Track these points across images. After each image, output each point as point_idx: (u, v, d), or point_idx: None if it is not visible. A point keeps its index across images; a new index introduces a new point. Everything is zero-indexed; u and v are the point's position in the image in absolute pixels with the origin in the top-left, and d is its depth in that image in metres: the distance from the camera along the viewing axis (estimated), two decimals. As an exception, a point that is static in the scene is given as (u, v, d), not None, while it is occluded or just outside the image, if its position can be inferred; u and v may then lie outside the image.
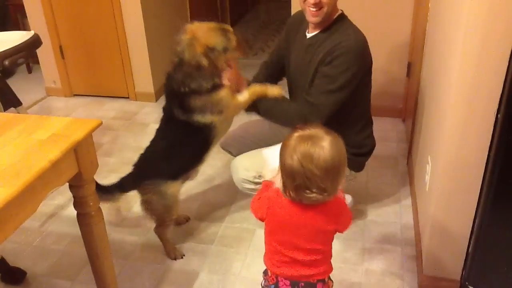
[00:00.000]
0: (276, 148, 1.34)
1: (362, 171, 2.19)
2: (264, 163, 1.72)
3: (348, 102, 1.91)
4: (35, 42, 2.68)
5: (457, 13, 1.59)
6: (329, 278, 1.44)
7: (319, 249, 1.34)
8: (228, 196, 2.56)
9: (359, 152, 2.08)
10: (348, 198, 2.30)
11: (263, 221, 1.39)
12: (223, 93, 1.89)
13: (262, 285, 1.47)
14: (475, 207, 1.63)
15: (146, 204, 2.08)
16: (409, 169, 2.69)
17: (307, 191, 1.22)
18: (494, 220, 1.60)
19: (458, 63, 1.47)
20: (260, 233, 2.27)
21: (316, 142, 1.20)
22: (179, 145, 2.01)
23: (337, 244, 2.18)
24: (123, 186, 2.08)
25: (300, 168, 1.19)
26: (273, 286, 1.40)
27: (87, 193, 1.56)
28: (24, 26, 4.52)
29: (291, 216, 1.30)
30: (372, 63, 1.96)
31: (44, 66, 3.99)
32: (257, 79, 2.16)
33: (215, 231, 2.31)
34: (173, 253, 2.16)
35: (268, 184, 1.40)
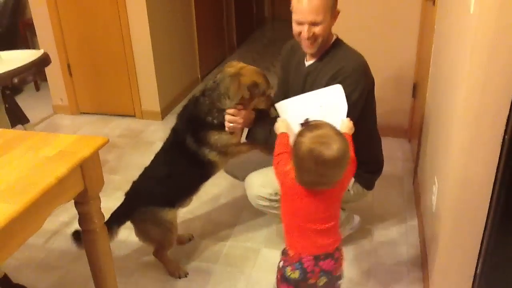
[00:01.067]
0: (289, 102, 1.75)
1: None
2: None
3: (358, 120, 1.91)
4: (44, 60, 2.72)
5: (463, 34, 1.60)
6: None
7: (333, 214, 1.49)
8: (232, 215, 2.55)
9: (370, 169, 2.08)
10: (356, 219, 2.28)
11: (281, 184, 1.52)
12: (234, 140, 2.01)
13: (281, 266, 1.54)
14: (483, 228, 1.61)
15: (144, 233, 2.07)
16: (415, 189, 2.67)
17: (318, 186, 1.40)
18: (503, 241, 1.58)
19: (465, 84, 1.47)
20: (265, 253, 2.26)
21: (328, 144, 1.32)
22: (180, 175, 2.04)
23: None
24: (119, 219, 2.04)
25: (314, 168, 1.33)
26: (297, 263, 1.49)
27: (92, 210, 1.56)
28: (33, 44, 4.60)
29: (305, 191, 1.42)
30: (374, 81, 1.97)
31: (52, 84, 4.03)
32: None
33: (219, 250, 2.30)
34: (177, 272, 2.14)
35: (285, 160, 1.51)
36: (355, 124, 1.87)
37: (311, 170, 1.35)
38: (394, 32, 3.04)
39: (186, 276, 2.13)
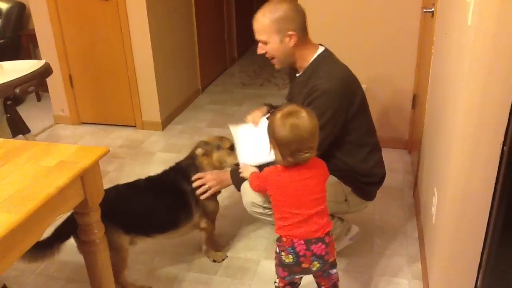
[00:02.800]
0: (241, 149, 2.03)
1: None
2: None
3: (342, 133, 1.95)
4: (45, 71, 2.74)
5: (462, 46, 1.61)
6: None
7: (320, 197, 1.64)
8: (232, 226, 2.55)
9: (369, 181, 2.07)
10: (355, 229, 2.28)
11: (265, 192, 1.76)
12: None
13: (277, 251, 1.67)
14: (483, 240, 1.61)
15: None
16: (415, 200, 2.67)
17: (301, 153, 1.56)
18: (503, 252, 1.57)
19: (464, 95, 1.48)
20: (264, 264, 2.25)
21: (298, 115, 1.56)
22: (159, 207, 2.08)
23: (343, 276, 2.15)
24: (65, 232, 1.90)
25: (293, 136, 1.54)
26: (290, 248, 1.62)
27: (92, 221, 1.56)
28: (35, 55, 4.63)
29: (291, 178, 1.62)
30: (356, 93, 1.97)
31: (53, 94, 4.05)
32: None
33: (219, 262, 2.29)
34: None
35: (257, 174, 1.81)
36: (339, 136, 1.97)
37: (290, 140, 1.54)
38: (394, 43, 3.06)
39: None
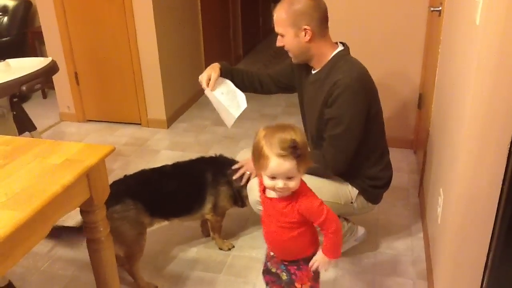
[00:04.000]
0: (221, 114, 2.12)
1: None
2: None
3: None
4: (52, 68, 2.74)
5: (469, 45, 1.60)
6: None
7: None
8: (236, 225, 2.54)
9: (377, 184, 2.06)
10: (361, 230, 2.27)
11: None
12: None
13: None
14: (489, 240, 1.60)
15: (118, 232, 1.97)
16: (420, 200, 2.66)
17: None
18: (509, 253, 1.56)
19: (471, 95, 1.47)
20: (269, 263, 2.25)
21: (285, 129, 1.43)
22: (179, 192, 2.16)
23: (348, 276, 2.15)
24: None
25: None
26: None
27: (98, 219, 1.56)
28: (41, 53, 4.64)
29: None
30: (376, 93, 1.96)
31: (59, 92, 4.06)
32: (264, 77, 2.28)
33: (223, 260, 2.29)
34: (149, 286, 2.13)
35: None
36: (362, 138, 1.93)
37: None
38: (400, 42, 3.05)
39: None
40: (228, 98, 2.09)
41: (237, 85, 2.15)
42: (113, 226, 1.91)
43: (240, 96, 2.11)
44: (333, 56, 1.93)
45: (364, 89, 1.87)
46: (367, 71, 1.92)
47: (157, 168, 2.24)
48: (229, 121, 2.11)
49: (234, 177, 2.15)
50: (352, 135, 1.88)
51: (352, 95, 1.83)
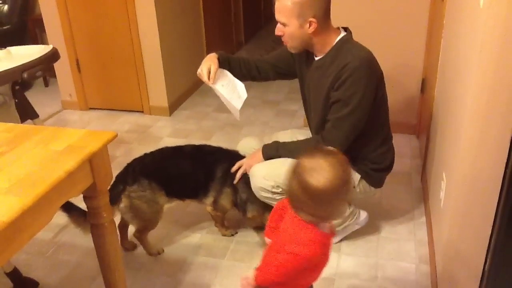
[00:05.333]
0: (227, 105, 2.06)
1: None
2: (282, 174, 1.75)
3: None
4: (53, 56, 2.73)
5: (473, 29, 1.59)
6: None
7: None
8: (240, 210, 2.55)
9: (379, 167, 2.07)
10: (363, 214, 2.28)
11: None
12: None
13: None
14: (491, 224, 1.60)
15: (135, 210, 2.11)
16: (423, 185, 2.66)
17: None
18: (511, 238, 1.57)
19: (474, 79, 1.46)
20: (272, 248, 2.26)
21: (315, 174, 1.22)
22: (193, 174, 2.19)
23: (350, 260, 2.16)
24: (122, 183, 2.11)
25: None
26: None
27: (101, 204, 1.57)
28: (42, 40, 4.62)
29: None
30: (382, 76, 1.96)
31: (61, 80, 4.05)
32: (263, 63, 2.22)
33: (227, 245, 2.31)
34: (155, 250, 2.25)
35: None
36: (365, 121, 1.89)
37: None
38: (403, 27, 3.02)
39: (163, 251, 2.27)
40: (228, 90, 2.07)
41: (235, 74, 2.11)
42: (132, 205, 2.09)
43: (240, 86, 2.09)
44: (337, 42, 1.91)
45: (372, 72, 1.87)
46: (373, 54, 1.91)
47: (178, 147, 2.28)
48: (235, 112, 2.09)
49: (235, 182, 2.14)
50: (356, 117, 1.87)
51: (361, 78, 1.82)
